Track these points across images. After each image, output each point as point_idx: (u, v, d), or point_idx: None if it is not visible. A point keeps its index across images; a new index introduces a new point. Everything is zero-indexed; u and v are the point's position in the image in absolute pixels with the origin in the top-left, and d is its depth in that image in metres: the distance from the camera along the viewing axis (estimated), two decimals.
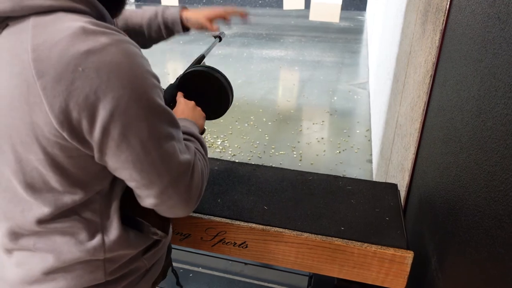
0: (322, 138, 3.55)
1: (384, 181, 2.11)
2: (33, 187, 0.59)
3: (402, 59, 2.01)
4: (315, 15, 4.87)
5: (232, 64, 6.38)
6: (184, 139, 0.73)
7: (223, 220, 0.99)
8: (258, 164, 1.27)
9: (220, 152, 3.26)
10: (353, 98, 4.73)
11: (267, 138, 3.54)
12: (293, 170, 1.24)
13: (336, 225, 0.97)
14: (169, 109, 0.61)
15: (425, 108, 1.20)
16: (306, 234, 0.94)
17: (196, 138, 0.77)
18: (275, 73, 5.94)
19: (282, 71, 6.12)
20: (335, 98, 4.70)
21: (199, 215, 1.01)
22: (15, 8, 0.54)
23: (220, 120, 4.34)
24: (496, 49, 0.65)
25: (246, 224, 0.98)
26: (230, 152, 3.25)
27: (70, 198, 0.61)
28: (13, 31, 0.55)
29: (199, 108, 0.89)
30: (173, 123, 0.62)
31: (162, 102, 0.59)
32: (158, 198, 0.62)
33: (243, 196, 1.09)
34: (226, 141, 3.45)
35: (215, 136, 3.54)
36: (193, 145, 0.71)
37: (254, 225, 0.97)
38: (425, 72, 1.29)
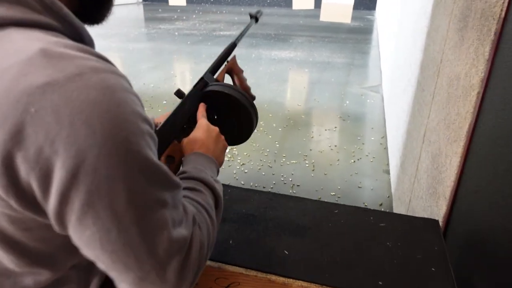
0: (335, 146, 3.38)
1: (408, 200, 1.94)
2: None
3: (429, 66, 1.83)
4: (326, 16, 4.70)
5: (241, 65, 6.21)
6: (190, 189, 0.56)
7: (236, 269, 0.83)
8: (274, 193, 1.11)
9: (228, 161, 3.10)
10: (365, 102, 4.55)
11: (277, 145, 3.38)
12: (315, 200, 1.08)
13: (373, 278, 0.81)
14: (161, 165, 0.43)
15: (471, 130, 1.03)
16: None
17: (209, 188, 0.59)
18: (285, 75, 5.78)
19: (291, 72, 5.95)
20: (347, 102, 4.52)
21: (207, 262, 0.85)
22: None
23: None
24: None
25: (264, 275, 0.82)
26: (239, 161, 3.10)
27: (32, 279, 0.45)
28: None
29: (223, 138, 0.71)
30: (168, 183, 0.44)
31: (152, 155, 0.42)
32: (136, 286, 0.44)
33: (259, 236, 0.93)
34: (234, 149, 3.30)
35: None
36: (194, 205, 0.53)
37: (273, 276, 0.81)
38: (467, 87, 1.12)
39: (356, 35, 8.91)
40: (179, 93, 0.74)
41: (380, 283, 0.80)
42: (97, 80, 0.38)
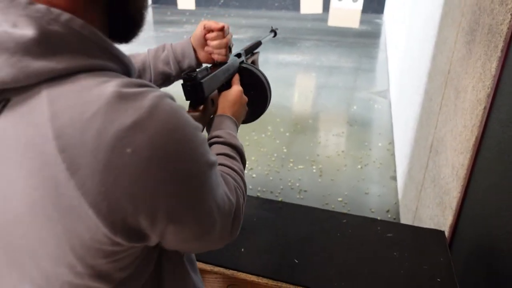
0: (342, 151, 3.40)
1: (415, 208, 1.96)
2: None
3: (437, 77, 1.85)
4: (334, 21, 4.73)
5: None
6: (226, 155, 0.66)
7: (248, 276, 0.87)
8: (284, 202, 1.15)
9: None
10: (373, 107, 4.56)
11: (285, 150, 3.41)
12: (325, 210, 1.11)
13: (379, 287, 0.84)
14: (214, 157, 0.51)
15: (478, 143, 1.06)
16: None
17: (240, 153, 0.68)
18: (292, 79, 5.81)
19: (298, 77, 5.99)
20: (355, 107, 4.54)
21: (221, 269, 0.89)
22: (18, 77, 0.38)
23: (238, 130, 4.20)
24: None
25: (274, 282, 0.85)
26: (247, 165, 3.13)
27: None
28: (19, 110, 0.39)
29: (247, 109, 0.81)
30: (216, 169, 0.52)
31: (210, 156, 0.49)
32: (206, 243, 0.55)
33: (269, 244, 0.96)
34: None
35: None
36: (231, 173, 0.63)
37: (284, 284, 0.85)
38: (475, 101, 1.14)
39: (364, 39, 8.91)
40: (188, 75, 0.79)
41: None
42: (167, 106, 0.42)
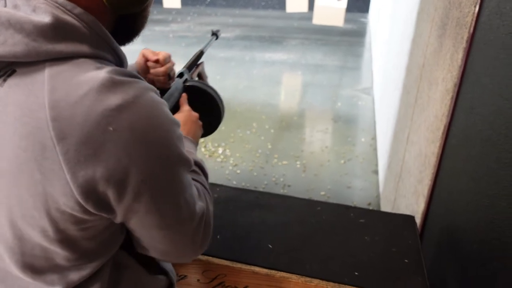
0: (326, 147, 3.45)
1: (393, 199, 2.01)
2: (33, 267, 0.50)
3: (413, 70, 1.90)
4: (318, 19, 4.77)
5: (234, 68, 6.28)
6: (192, 171, 0.67)
7: (223, 261, 0.89)
8: (261, 191, 1.17)
9: (221, 162, 3.15)
10: (357, 104, 4.62)
11: (269, 146, 3.43)
12: (301, 199, 1.14)
13: (350, 269, 0.87)
14: (188, 156, 0.54)
15: (446, 131, 1.10)
16: (316, 281, 0.84)
17: (200, 168, 0.70)
18: (278, 78, 5.84)
19: (284, 75, 6.02)
20: (339, 104, 4.60)
21: None
22: (30, 54, 0.44)
23: (222, 127, 4.24)
24: None
25: (248, 267, 0.87)
26: (231, 161, 3.15)
27: (77, 274, 0.52)
28: (23, 81, 0.45)
29: (200, 123, 0.81)
30: (191, 167, 0.56)
31: (185, 151, 0.53)
32: (175, 249, 0.58)
33: (245, 231, 0.98)
34: (227, 150, 3.35)
35: (216, 145, 3.44)
36: (199, 185, 0.65)
37: (257, 268, 0.87)
38: (444, 92, 1.18)
39: (349, 38, 9.00)
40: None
41: (356, 273, 0.86)
42: (150, 98, 0.47)
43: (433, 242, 1.11)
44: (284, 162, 3.14)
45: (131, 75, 0.48)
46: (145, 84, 0.49)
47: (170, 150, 0.49)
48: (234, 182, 2.83)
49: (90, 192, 0.44)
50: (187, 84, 0.88)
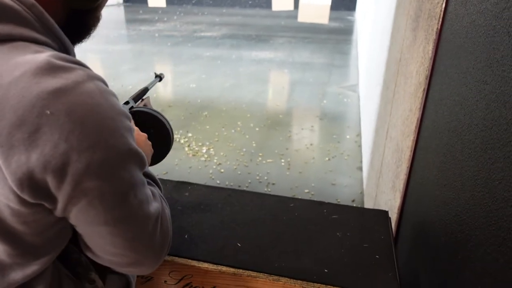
0: (311, 144, 3.44)
1: (375, 195, 2.00)
2: None
3: (392, 65, 1.89)
4: (303, 17, 4.75)
5: (221, 66, 6.24)
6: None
7: (189, 262, 0.86)
8: (234, 189, 1.14)
9: (205, 161, 3.12)
10: (343, 101, 4.63)
11: (254, 145, 3.41)
12: (273, 195, 1.12)
13: (320, 266, 0.85)
14: (140, 150, 0.52)
15: (418, 125, 1.08)
16: (284, 279, 0.82)
17: (154, 180, 0.67)
18: (265, 76, 5.82)
19: (271, 73, 6.00)
20: (325, 101, 4.59)
21: None
22: None
23: (206, 126, 4.19)
24: (506, 72, 0.53)
25: (215, 267, 0.85)
26: (215, 160, 3.12)
27: (21, 273, 0.49)
28: None
29: (150, 143, 0.79)
30: (144, 166, 0.53)
31: (135, 145, 0.51)
32: (132, 253, 0.53)
33: (214, 230, 0.96)
34: (211, 149, 3.31)
35: (200, 144, 3.40)
36: (155, 190, 0.62)
37: (224, 267, 0.84)
38: (417, 84, 1.17)
39: (336, 36, 9.03)
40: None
41: (326, 270, 0.83)
42: (94, 86, 0.45)
43: (407, 237, 1.10)
44: (269, 160, 3.12)
45: (75, 62, 0.47)
46: (91, 72, 0.47)
47: (115, 139, 0.46)
48: (218, 181, 2.80)
49: (25, 179, 0.42)
50: (133, 110, 0.87)
